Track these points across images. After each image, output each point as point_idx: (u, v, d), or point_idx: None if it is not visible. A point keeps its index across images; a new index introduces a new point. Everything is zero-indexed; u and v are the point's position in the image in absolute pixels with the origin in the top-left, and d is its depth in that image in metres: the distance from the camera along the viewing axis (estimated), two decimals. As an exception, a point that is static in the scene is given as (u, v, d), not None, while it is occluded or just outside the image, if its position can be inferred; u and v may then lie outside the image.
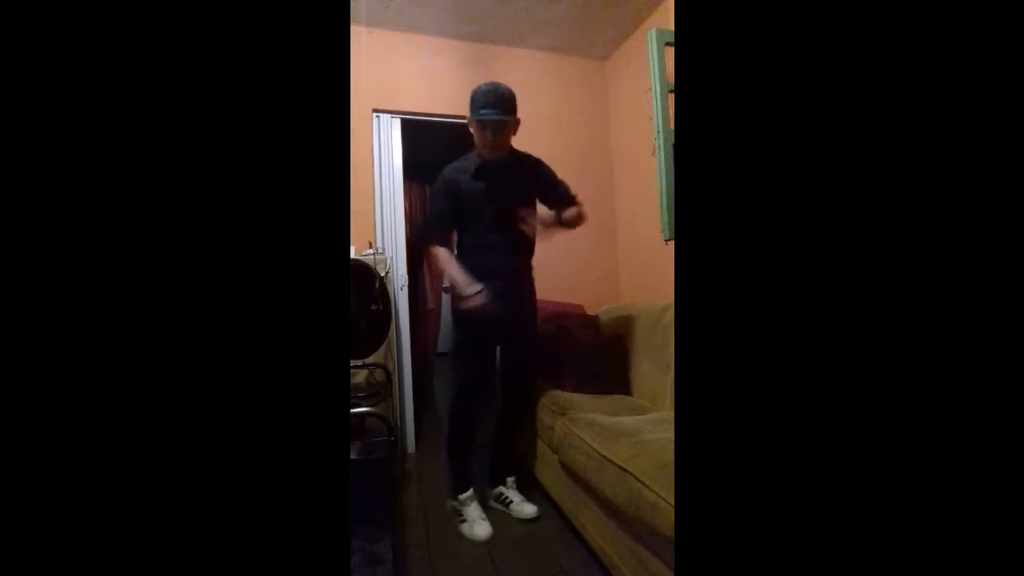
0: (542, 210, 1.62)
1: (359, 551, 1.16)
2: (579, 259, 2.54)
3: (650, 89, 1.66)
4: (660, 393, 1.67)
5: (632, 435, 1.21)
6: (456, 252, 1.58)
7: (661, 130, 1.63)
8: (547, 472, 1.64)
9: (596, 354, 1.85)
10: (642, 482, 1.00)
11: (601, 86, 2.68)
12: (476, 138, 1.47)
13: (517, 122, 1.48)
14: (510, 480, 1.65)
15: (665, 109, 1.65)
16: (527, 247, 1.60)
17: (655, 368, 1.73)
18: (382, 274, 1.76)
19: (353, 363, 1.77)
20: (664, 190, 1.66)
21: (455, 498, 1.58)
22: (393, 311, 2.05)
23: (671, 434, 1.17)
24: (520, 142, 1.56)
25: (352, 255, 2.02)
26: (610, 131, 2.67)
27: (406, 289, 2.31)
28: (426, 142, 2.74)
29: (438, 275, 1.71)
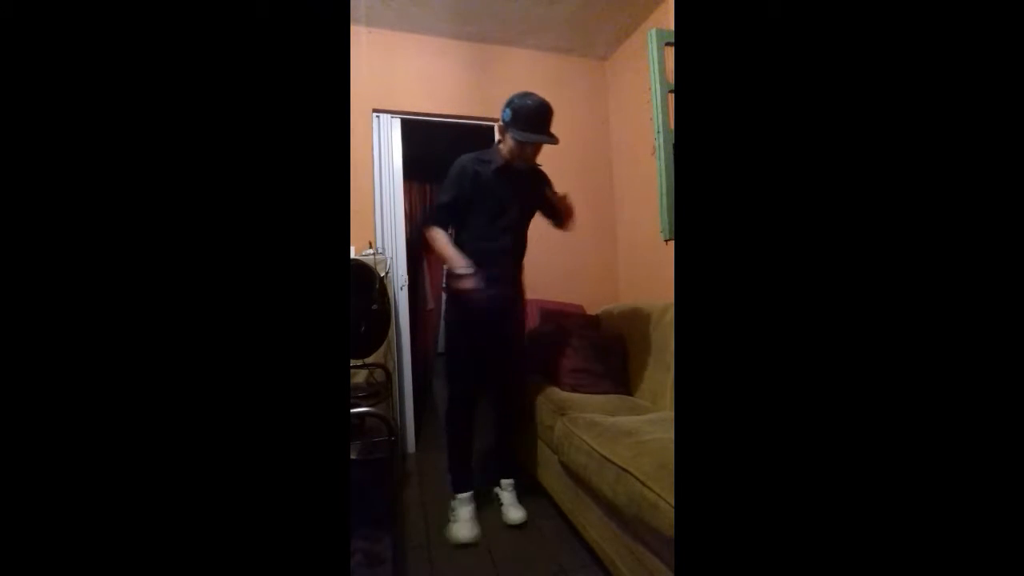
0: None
1: (359, 551, 1.16)
2: (579, 259, 2.54)
3: (650, 89, 1.66)
4: (660, 393, 1.67)
5: (632, 435, 1.21)
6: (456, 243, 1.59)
7: (661, 130, 1.63)
8: (547, 472, 1.64)
9: (596, 354, 1.85)
10: (642, 482, 1.00)
11: (601, 86, 2.68)
12: (514, 150, 1.47)
13: None
14: (506, 482, 1.65)
15: (665, 109, 1.65)
16: (523, 252, 1.63)
17: (655, 368, 1.73)
18: (382, 274, 1.75)
19: (353, 363, 1.77)
20: (664, 190, 1.66)
21: (454, 497, 1.59)
22: (393, 311, 2.05)
23: (671, 434, 1.17)
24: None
25: (352, 255, 2.02)
26: (610, 131, 2.67)
27: (406, 289, 2.31)
28: (426, 142, 2.75)
29: (435, 256, 1.71)
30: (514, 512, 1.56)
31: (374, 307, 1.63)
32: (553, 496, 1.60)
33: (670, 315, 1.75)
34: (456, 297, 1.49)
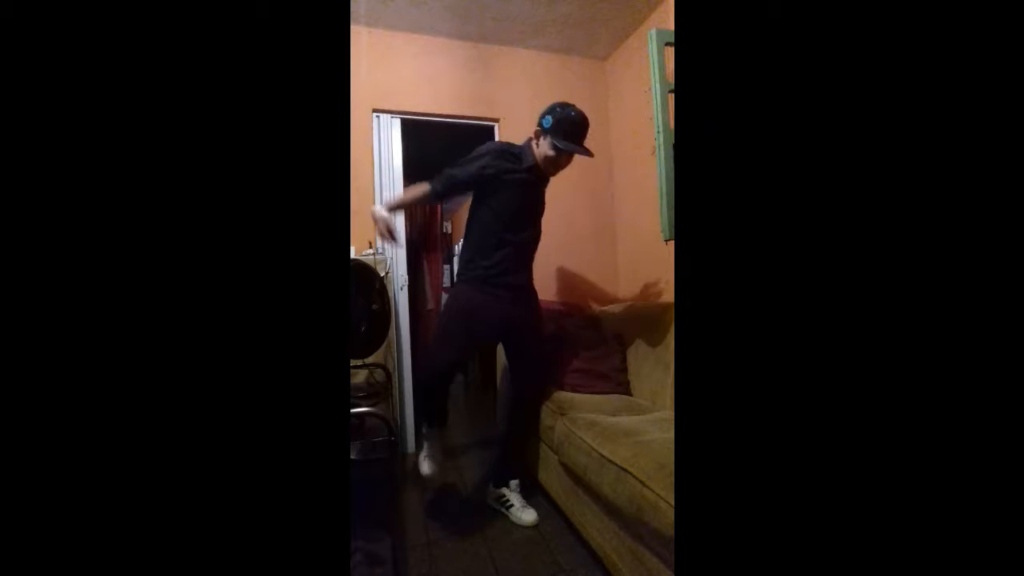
0: None
1: (359, 551, 1.16)
2: (579, 259, 2.54)
3: (650, 89, 1.66)
4: (660, 393, 1.67)
5: (632, 435, 1.21)
6: (464, 241, 1.61)
7: (661, 130, 1.63)
8: (547, 472, 1.64)
9: (596, 354, 1.85)
10: (642, 482, 1.00)
11: (601, 86, 2.67)
12: (549, 159, 1.47)
13: None
14: (514, 483, 1.65)
15: (665, 109, 1.65)
16: (535, 251, 1.63)
17: (655, 368, 1.73)
18: (382, 274, 1.75)
19: (353, 363, 1.77)
20: (664, 190, 1.65)
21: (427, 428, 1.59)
22: (393, 311, 2.05)
23: (671, 434, 1.17)
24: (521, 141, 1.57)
25: (352, 255, 2.02)
26: (610, 131, 2.66)
27: (406, 289, 2.31)
28: (426, 142, 2.74)
29: (435, 257, 1.75)
30: (527, 514, 1.56)
31: (374, 307, 1.63)
32: (553, 496, 1.60)
33: (670, 315, 1.74)
34: (465, 287, 1.51)
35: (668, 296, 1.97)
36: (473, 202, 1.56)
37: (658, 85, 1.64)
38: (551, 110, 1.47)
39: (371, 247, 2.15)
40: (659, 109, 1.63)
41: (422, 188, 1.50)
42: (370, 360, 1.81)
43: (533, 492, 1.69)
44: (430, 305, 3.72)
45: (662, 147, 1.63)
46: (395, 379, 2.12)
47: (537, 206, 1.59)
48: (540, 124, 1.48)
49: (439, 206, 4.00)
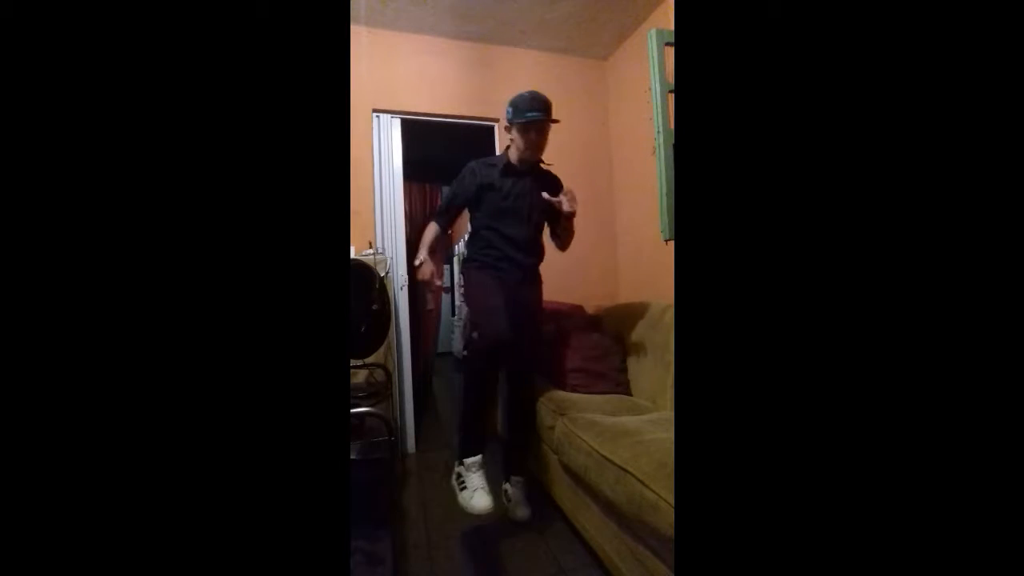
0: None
1: (359, 551, 1.16)
2: (579, 259, 2.54)
3: (650, 89, 1.66)
4: (660, 393, 1.67)
5: (632, 435, 1.21)
6: (471, 241, 1.68)
7: (661, 130, 1.63)
8: (547, 472, 1.64)
9: (596, 354, 1.85)
10: (642, 482, 1.00)
11: (601, 86, 2.67)
12: (519, 140, 1.56)
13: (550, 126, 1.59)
14: (515, 479, 1.65)
15: (665, 109, 1.65)
16: (539, 248, 1.67)
17: (655, 368, 1.73)
18: (382, 274, 1.75)
19: (353, 363, 1.77)
20: (664, 190, 1.65)
21: (461, 462, 1.46)
22: (393, 311, 2.05)
23: (671, 434, 1.16)
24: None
25: (352, 255, 2.02)
26: (610, 131, 2.66)
27: (406, 289, 2.31)
28: (426, 142, 2.74)
29: (437, 256, 1.80)
30: (521, 510, 1.56)
31: (374, 307, 1.63)
32: (553, 496, 1.60)
33: (670, 315, 1.74)
34: (471, 272, 1.63)
35: (668, 296, 1.97)
36: (470, 214, 1.68)
37: (658, 85, 1.64)
38: (509, 102, 1.55)
39: (371, 247, 2.15)
40: (659, 109, 1.63)
41: (432, 228, 1.66)
42: (370, 360, 1.81)
43: (533, 492, 1.69)
44: (430, 305, 3.72)
45: (662, 147, 1.63)
46: (395, 379, 2.12)
47: (526, 203, 1.60)
48: (506, 119, 1.56)
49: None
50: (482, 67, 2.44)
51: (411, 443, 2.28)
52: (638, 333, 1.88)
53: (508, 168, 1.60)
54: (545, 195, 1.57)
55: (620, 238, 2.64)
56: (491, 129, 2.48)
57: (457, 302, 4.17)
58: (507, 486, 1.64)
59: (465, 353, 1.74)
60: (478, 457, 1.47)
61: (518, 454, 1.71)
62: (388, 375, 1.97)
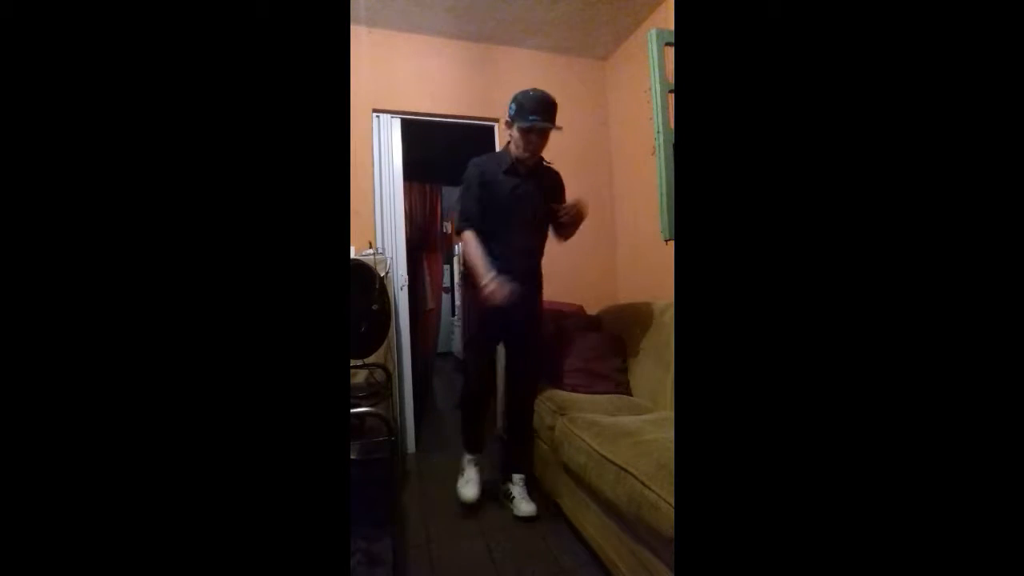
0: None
1: (359, 551, 1.16)
2: (579, 259, 2.54)
3: (650, 89, 1.66)
4: (660, 393, 1.67)
5: (632, 435, 1.21)
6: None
7: (661, 130, 1.63)
8: (547, 472, 1.64)
9: (596, 354, 1.85)
10: (642, 482, 1.00)
11: (601, 86, 2.67)
12: (519, 141, 1.54)
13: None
14: (517, 477, 1.66)
15: (665, 109, 1.65)
16: (540, 248, 1.67)
17: (655, 368, 1.73)
18: (382, 274, 1.75)
19: (353, 363, 1.77)
20: (664, 190, 1.65)
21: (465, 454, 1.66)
22: (393, 311, 2.05)
23: (671, 434, 1.16)
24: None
25: (352, 255, 2.02)
26: (610, 131, 2.66)
27: (406, 289, 2.31)
28: (426, 142, 2.74)
29: (435, 257, 1.83)
30: (525, 505, 1.58)
31: (374, 307, 1.63)
32: (553, 496, 1.60)
33: (670, 315, 1.74)
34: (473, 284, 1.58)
35: (668, 296, 1.97)
36: None
37: (658, 85, 1.64)
38: (513, 99, 1.53)
39: (371, 247, 2.15)
40: (659, 109, 1.63)
41: (472, 239, 1.56)
42: (370, 360, 1.80)
43: (533, 492, 1.69)
44: (430, 305, 3.72)
45: (662, 147, 1.63)
46: (395, 379, 2.12)
47: (529, 204, 1.60)
48: (508, 115, 1.54)
49: (438, 207, 4.01)
50: (482, 67, 2.44)
51: (411, 443, 2.28)
52: (638, 333, 1.88)
53: (512, 167, 1.59)
54: (554, 207, 1.58)
55: (620, 238, 2.63)
56: (491, 129, 2.48)
57: (457, 302, 4.17)
58: (509, 485, 1.64)
59: (465, 351, 1.75)
60: (476, 455, 1.61)
61: (519, 453, 1.72)
62: (388, 375, 1.97)
